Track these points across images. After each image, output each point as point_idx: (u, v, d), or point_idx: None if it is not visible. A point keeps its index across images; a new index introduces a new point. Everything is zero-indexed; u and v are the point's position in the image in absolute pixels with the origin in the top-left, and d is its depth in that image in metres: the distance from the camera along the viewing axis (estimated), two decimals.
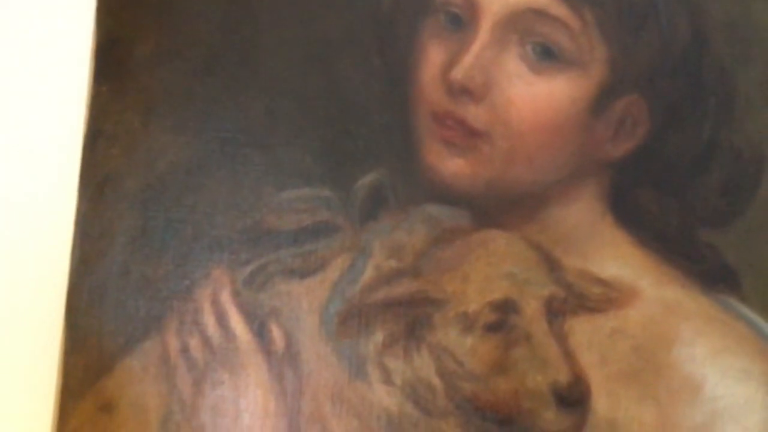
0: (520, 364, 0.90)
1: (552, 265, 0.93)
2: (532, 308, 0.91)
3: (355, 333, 0.91)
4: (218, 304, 0.93)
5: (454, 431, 0.90)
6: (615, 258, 0.93)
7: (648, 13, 0.94)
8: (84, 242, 0.94)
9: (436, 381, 0.90)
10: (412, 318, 0.92)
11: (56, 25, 1.00)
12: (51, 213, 0.96)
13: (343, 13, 0.97)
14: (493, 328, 0.91)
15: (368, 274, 0.93)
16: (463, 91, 0.93)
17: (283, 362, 0.91)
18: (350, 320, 0.92)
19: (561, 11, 0.93)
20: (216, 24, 0.97)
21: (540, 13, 0.93)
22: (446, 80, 0.94)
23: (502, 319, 0.91)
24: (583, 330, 0.91)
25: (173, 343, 0.92)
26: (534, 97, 0.93)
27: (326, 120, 0.96)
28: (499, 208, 0.94)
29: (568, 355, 0.90)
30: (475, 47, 0.94)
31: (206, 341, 0.92)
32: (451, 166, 0.94)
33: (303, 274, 0.93)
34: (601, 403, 0.89)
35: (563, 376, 0.89)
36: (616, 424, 0.89)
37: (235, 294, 0.93)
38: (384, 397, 0.90)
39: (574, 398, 0.89)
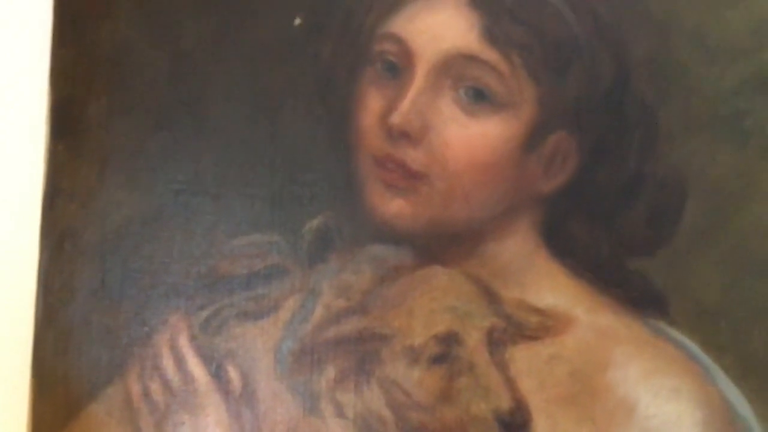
0: (465, 393, 0.95)
1: (491, 298, 0.97)
2: (474, 339, 0.96)
3: (308, 370, 0.96)
4: (176, 349, 0.97)
5: None
6: (551, 288, 0.98)
7: (573, 54, 0.98)
8: (47, 295, 0.99)
9: (386, 412, 0.95)
10: (361, 353, 0.96)
11: (12, 87, 1.04)
12: (14, 269, 1.01)
13: (285, 66, 1.01)
14: (437, 359, 0.96)
15: (318, 313, 0.97)
16: (401, 135, 0.98)
17: (241, 401, 0.96)
18: (303, 358, 0.97)
19: (490, 56, 0.97)
20: (164, 80, 1.02)
21: (471, 59, 0.98)
22: (385, 125, 0.98)
23: (446, 351, 0.96)
24: (522, 357, 0.96)
25: (135, 388, 0.97)
26: (468, 138, 0.98)
27: (273, 168, 1.00)
28: (440, 245, 0.99)
29: (509, 382, 0.95)
30: (412, 93, 0.98)
31: (166, 384, 0.97)
32: (393, 206, 0.99)
33: (256, 316, 0.98)
34: (541, 426, 0.94)
35: (505, 403, 0.94)
36: None
37: (192, 338, 0.98)
38: (337, 431, 0.95)
39: (516, 423, 0.94)
